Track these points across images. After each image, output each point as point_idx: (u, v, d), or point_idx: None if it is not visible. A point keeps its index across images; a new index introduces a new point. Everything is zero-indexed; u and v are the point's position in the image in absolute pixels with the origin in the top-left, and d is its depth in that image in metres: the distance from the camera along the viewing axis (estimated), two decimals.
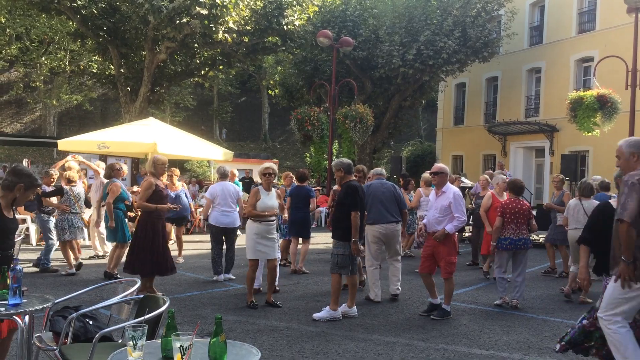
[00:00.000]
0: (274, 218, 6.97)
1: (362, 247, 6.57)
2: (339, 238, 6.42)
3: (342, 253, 6.36)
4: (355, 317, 6.54)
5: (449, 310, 6.77)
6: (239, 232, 9.71)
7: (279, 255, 7.81)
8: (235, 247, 9.04)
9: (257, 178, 20.43)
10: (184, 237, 11.95)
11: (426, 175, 9.99)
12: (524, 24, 22.46)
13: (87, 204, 9.59)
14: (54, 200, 8.90)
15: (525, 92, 22.81)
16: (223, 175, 8.94)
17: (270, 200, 6.91)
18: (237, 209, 8.84)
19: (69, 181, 8.89)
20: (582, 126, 13.83)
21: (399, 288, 7.76)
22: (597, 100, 13.50)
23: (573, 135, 18.26)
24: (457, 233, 6.92)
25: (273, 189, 7.11)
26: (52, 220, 8.92)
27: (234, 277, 8.76)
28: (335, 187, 11.48)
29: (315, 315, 6.44)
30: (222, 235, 8.67)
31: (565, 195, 9.91)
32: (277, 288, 7.80)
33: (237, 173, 12.28)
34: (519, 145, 22.82)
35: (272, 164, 7.12)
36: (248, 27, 17.92)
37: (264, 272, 7.61)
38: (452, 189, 6.72)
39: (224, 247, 8.84)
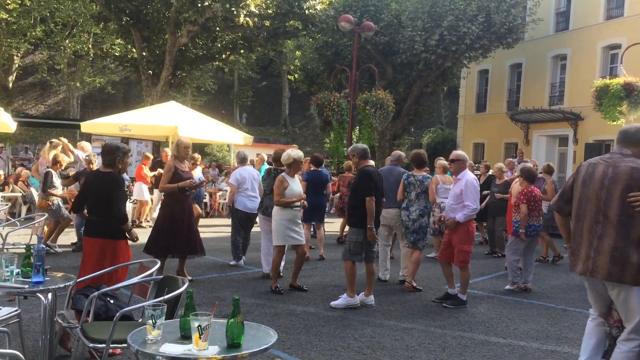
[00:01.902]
0: (299, 203, 7.00)
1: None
2: (354, 225, 6.35)
3: (355, 240, 6.28)
4: (372, 306, 6.50)
5: (465, 300, 6.68)
6: None
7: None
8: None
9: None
10: (203, 221, 12.07)
11: (441, 161, 9.81)
12: (550, 10, 22.00)
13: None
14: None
15: (549, 80, 22.42)
16: (243, 160, 8.88)
17: (297, 186, 6.99)
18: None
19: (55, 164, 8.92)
20: (607, 115, 13.59)
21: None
22: (623, 88, 13.24)
23: (598, 124, 17.91)
24: (474, 222, 6.79)
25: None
26: None
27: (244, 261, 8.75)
28: (345, 173, 11.43)
29: (333, 303, 6.42)
30: (246, 221, 8.62)
31: (548, 183, 9.88)
32: (282, 274, 7.83)
33: (265, 157, 12.11)
34: (542, 133, 22.49)
35: (294, 153, 7.08)
36: (270, 11, 17.85)
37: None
38: (466, 176, 6.58)
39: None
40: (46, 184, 8.64)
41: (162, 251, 6.83)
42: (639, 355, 3.55)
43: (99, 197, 4.93)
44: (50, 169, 8.78)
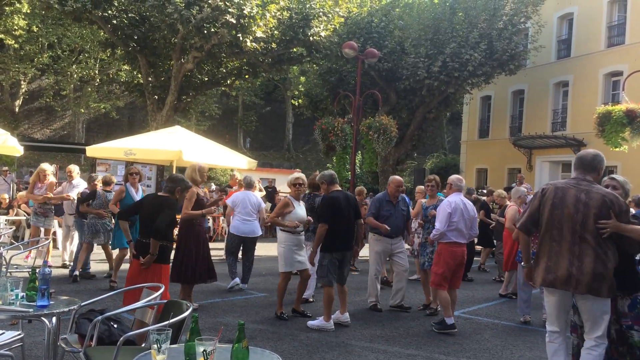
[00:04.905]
0: (302, 228, 7.03)
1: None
2: (321, 249, 6.54)
3: (321, 263, 6.50)
4: (348, 324, 6.59)
5: (450, 324, 6.54)
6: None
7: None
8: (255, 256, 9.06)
9: (279, 187, 20.53)
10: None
11: (419, 186, 10.26)
12: (551, 37, 22.23)
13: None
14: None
15: (552, 106, 22.54)
16: (248, 185, 8.97)
17: (302, 210, 7.01)
18: (258, 219, 8.82)
19: (107, 184, 8.94)
20: (610, 141, 13.60)
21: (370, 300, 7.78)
22: (625, 115, 13.27)
23: (601, 150, 17.85)
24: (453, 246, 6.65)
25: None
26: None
27: (245, 287, 8.68)
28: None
29: (309, 323, 6.55)
30: (240, 245, 8.67)
31: None
32: (312, 299, 7.98)
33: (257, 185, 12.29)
34: (544, 159, 22.53)
35: (302, 175, 7.20)
36: (276, 33, 18.09)
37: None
38: (446, 199, 6.78)
39: (239, 256, 8.91)
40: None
41: (182, 277, 6.85)
42: (603, 356, 4.03)
43: (152, 219, 5.03)
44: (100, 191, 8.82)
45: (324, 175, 6.77)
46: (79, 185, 9.62)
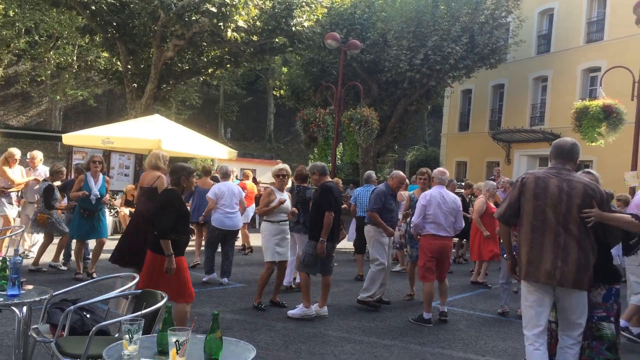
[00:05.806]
0: (285, 217, 7.03)
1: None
2: (313, 238, 6.51)
3: (311, 253, 6.48)
4: (326, 317, 6.62)
5: (426, 319, 6.59)
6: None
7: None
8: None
9: (260, 178, 20.46)
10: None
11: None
12: (532, 32, 22.43)
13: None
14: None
15: (531, 100, 22.77)
16: (225, 175, 8.78)
17: (286, 201, 7.02)
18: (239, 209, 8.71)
19: (53, 174, 8.56)
20: (586, 136, 13.78)
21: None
22: (602, 110, 13.45)
23: None
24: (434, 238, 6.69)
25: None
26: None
27: (227, 281, 8.42)
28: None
29: (289, 312, 6.58)
30: (221, 238, 8.41)
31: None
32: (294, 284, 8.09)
33: (236, 171, 12.15)
34: (523, 153, 22.78)
35: (285, 166, 7.21)
36: (258, 24, 17.93)
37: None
38: (423, 192, 6.96)
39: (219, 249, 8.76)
40: (50, 198, 8.23)
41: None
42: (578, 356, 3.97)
43: (159, 215, 4.96)
44: (50, 183, 8.36)
45: (315, 166, 6.77)
46: (43, 172, 9.37)
